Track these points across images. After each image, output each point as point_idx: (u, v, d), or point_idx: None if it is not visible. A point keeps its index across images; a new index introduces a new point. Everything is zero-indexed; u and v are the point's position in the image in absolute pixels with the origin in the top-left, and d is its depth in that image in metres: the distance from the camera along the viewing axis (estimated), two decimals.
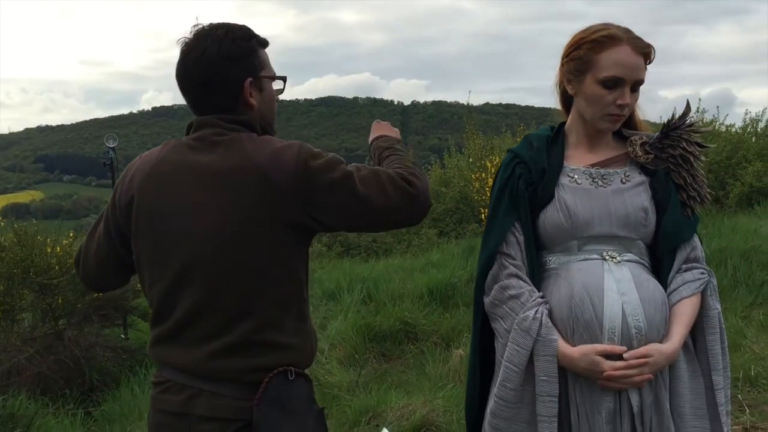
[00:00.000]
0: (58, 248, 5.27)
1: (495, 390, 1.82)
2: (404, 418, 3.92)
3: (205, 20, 1.70)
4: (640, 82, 1.81)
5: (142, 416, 4.40)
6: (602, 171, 1.87)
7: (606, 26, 1.82)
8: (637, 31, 1.83)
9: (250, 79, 1.65)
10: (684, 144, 1.87)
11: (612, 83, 1.78)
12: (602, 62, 1.78)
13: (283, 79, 1.76)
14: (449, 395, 4.21)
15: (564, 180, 1.87)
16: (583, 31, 1.85)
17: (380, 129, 2.04)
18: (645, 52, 1.80)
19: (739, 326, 4.93)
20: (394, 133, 2.01)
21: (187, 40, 1.66)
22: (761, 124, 10.80)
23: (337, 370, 4.94)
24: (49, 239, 5.45)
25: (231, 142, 1.60)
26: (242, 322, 1.57)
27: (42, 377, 4.74)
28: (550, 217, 1.84)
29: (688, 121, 1.89)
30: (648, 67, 1.85)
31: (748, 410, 3.85)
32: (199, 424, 1.57)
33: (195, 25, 1.67)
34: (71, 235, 5.84)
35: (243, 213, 1.55)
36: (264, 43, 1.73)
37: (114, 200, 1.72)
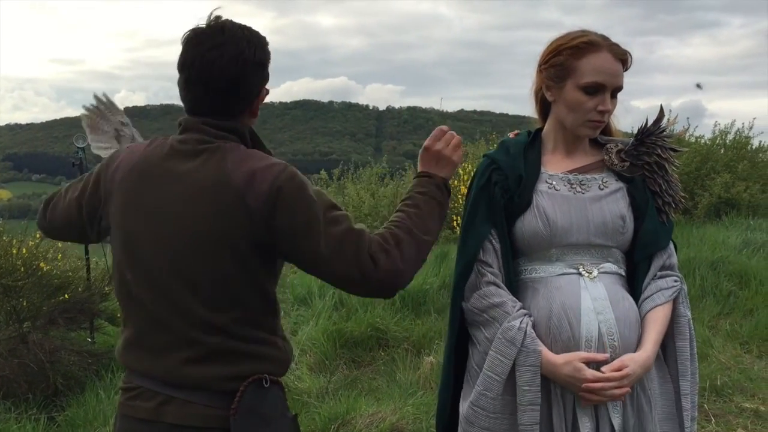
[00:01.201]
0: (24, 250, 5.16)
1: (471, 398, 1.80)
2: (374, 425, 3.89)
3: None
4: (620, 88, 1.82)
5: (107, 421, 4.31)
6: (580, 177, 1.88)
7: (585, 33, 1.83)
8: (613, 40, 1.84)
9: (266, 87, 1.66)
10: (659, 151, 1.88)
11: (593, 89, 1.78)
12: (583, 68, 1.78)
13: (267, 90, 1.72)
14: (419, 402, 4.19)
15: (542, 186, 1.86)
16: (561, 38, 1.85)
17: (432, 158, 1.74)
18: (623, 59, 1.81)
19: (706, 336, 4.98)
20: (446, 168, 1.74)
21: (213, 32, 1.58)
22: (730, 136, 10.97)
23: (307, 376, 4.90)
24: (15, 240, 5.34)
25: (214, 152, 1.56)
26: (209, 333, 1.54)
27: (4, 381, 4.63)
28: (528, 224, 1.83)
29: (661, 127, 1.90)
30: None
31: (713, 420, 3.89)
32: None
33: (214, 18, 1.61)
34: (38, 236, 5.72)
35: (213, 227, 1.52)
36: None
37: (98, 184, 1.70)
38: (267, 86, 1.69)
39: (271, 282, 1.63)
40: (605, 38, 1.82)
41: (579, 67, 1.79)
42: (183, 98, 1.64)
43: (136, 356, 1.61)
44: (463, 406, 1.86)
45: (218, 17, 1.60)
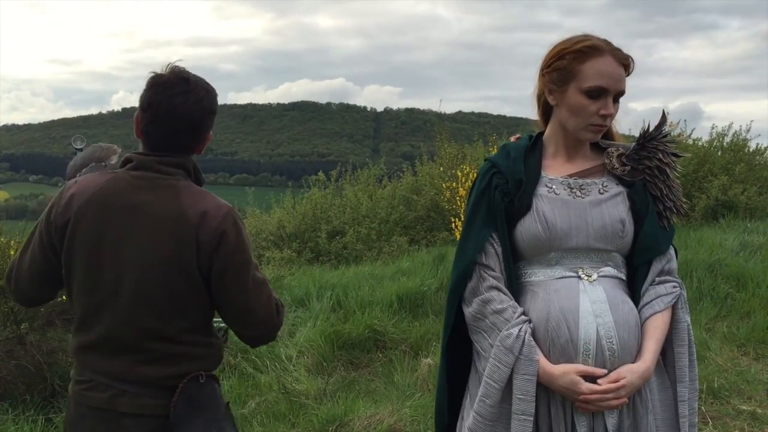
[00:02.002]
0: None
1: (475, 406, 1.80)
2: (371, 427, 3.90)
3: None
4: (622, 93, 1.83)
5: None
6: (580, 181, 1.88)
7: (587, 37, 1.83)
8: (614, 43, 1.85)
9: (208, 134, 1.94)
10: (660, 155, 1.88)
11: (596, 93, 1.79)
12: (586, 72, 1.79)
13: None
14: (417, 404, 4.19)
15: (542, 190, 1.86)
16: (564, 42, 1.85)
17: None
18: (626, 63, 1.82)
19: (703, 338, 4.99)
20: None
21: (176, 79, 1.85)
22: (727, 139, 11.00)
23: (305, 377, 4.90)
24: (12, 241, 5.33)
25: (169, 188, 1.84)
26: (159, 341, 1.83)
27: (2, 382, 4.62)
28: (528, 227, 1.84)
29: (663, 132, 1.91)
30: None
31: (711, 422, 3.90)
32: (123, 419, 1.82)
33: (175, 67, 1.88)
34: None
35: (168, 254, 1.79)
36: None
37: (49, 219, 1.88)
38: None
39: (210, 296, 1.88)
40: (608, 43, 1.83)
41: (582, 71, 1.79)
42: (144, 134, 1.89)
43: (94, 357, 1.86)
44: (469, 415, 1.85)
45: (179, 67, 1.88)
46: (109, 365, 1.83)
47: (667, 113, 1.99)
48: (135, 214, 1.81)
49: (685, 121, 11.80)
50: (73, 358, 1.94)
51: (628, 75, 1.85)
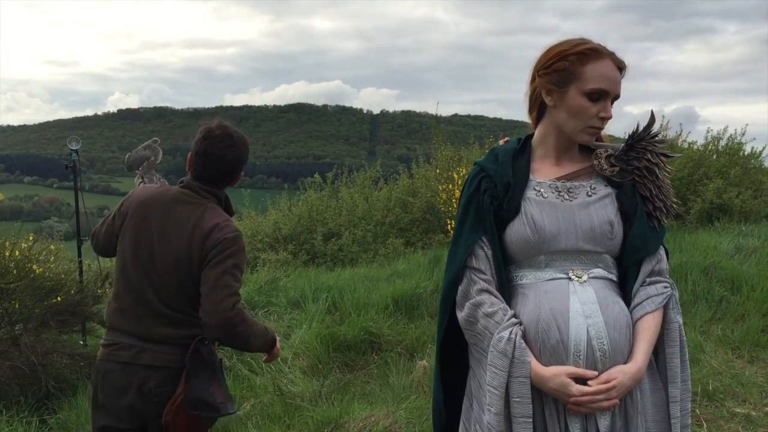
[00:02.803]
0: (16, 252, 5.14)
1: (486, 417, 1.80)
2: (367, 429, 3.90)
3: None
4: (618, 96, 1.85)
5: None
6: (568, 184, 1.89)
7: (585, 40, 1.85)
8: (609, 47, 1.86)
9: (240, 175, 2.64)
10: (649, 156, 1.89)
11: (597, 96, 1.81)
12: (588, 74, 1.80)
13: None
14: (412, 407, 4.20)
15: (530, 193, 1.87)
16: (563, 44, 1.86)
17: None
18: (621, 67, 1.85)
19: (697, 341, 5.00)
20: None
21: (223, 135, 2.56)
22: (722, 142, 11.02)
23: (300, 379, 4.90)
24: (7, 242, 5.32)
25: (200, 206, 2.52)
26: (174, 310, 2.47)
27: None
28: (517, 230, 1.85)
29: (652, 132, 1.92)
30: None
31: (705, 425, 3.91)
32: (144, 371, 2.44)
33: (222, 123, 2.60)
34: (31, 238, 5.70)
35: (183, 249, 2.45)
36: None
37: (120, 206, 2.63)
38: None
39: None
40: (606, 48, 1.86)
41: (584, 73, 1.81)
42: (196, 168, 2.58)
43: (123, 319, 2.50)
44: (480, 418, 1.85)
45: (225, 124, 2.60)
46: (137, 326, 2.46)
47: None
48: (169, 217, 2.49)
49: (680, 124, 11.79)
50: (107, 321, 2.57)
51: (622, 78, 1.88)
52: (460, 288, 1.88)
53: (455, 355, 1.99)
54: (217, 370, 2.52)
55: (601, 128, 1.85)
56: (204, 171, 2.55)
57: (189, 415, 2.45)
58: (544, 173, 1.92)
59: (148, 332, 2.45)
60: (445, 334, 1.98)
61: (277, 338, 2.69)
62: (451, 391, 2.04)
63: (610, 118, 1.84)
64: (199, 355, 2.46)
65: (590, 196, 1.87)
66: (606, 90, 1.80)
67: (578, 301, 1.78)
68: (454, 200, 9.21)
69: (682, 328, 1.88)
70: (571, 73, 1.82)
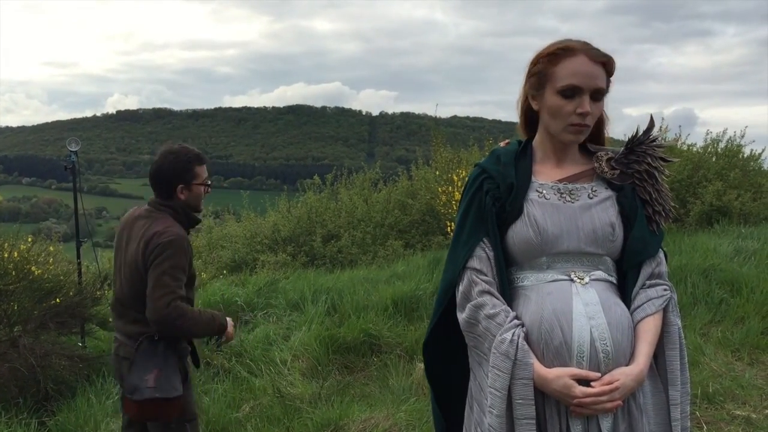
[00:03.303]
0: (15, 253, 5.13)
1: (487, 418, 1.79)
2: (366, 431, 3.89)
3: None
4: (600, 90, 1.83)
5: (98, 426, 4.30)
6: (570, 186, 1.89)
7: (564, 41, 1.85)
8: (607, 48, 1.86)
9: (181, 185, 2.93)
10: (649, 159, 1.89)
11: (570, 92, 1.80)
12: (559, 73, 1.81)
13: (208, 184, 3.04)
14: (412, 409, 4.19)
15: (532, 195, 1.87)
16: (542, 48, 1.88)
17: None
18: (602, 61, 1.82)
19: (697, 343, 5.00)
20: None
21: (162, 151, 2.97)
22: (721, 144, 11.03)
23: (300, 381, 4.89)
24: (6, 244, 5.31)
25: (152, 218, 2.91)
26: (134, 310, 2.86)
27: None
28: (519, 232, 1.84)
29: (652, 136, 1.92)
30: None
31: (705, 427, 3.90)
32: (122, 363, 2.90)
33: (169, 143, 3.00)
34: (29, 239, 5.69)
35: (135, 257, 2.84)
36: (202, 160, 2.99)
37: None
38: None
39: None
40: (585, 44, 1.84)
41: (555, 73, 1.82)
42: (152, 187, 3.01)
43: (113, 317, 3.06)
44: (481, 420, 1.84)
45: (170, 146, 2.98)
46: (117, 324, 2.98)
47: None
48: (132, 231, 2.92)
49: (680, 126, 11.83)
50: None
51: (611, 74, 1.85)
52: (461, 289, 1.87)
53: (446, 355, 2.00)
54: (161, 362, 2.81)
55: (582, 124, 1.82)
56: (153, 189, 2.99)
57: (138, 404, 2.78)
58: (546, 175, 1.92)
59: (124, 328, 2.93)
60: (432, 332, 1.99)
61: (229, 322, 3.03)
62: (444, 392, 2.04)
63: (588, 113, 1.81)
64: (142, 349, 2.83)
65: (592, 198, 1.87)
66: (577, 85, 1.80)
67: (581, 303, 1.78)
68: (453, 202, 9.21)
69: (682, 330, 1.88)
70: (545, 75, 1.84)
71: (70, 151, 5.44)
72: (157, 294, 2.72)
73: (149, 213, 2.92)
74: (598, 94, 1.83)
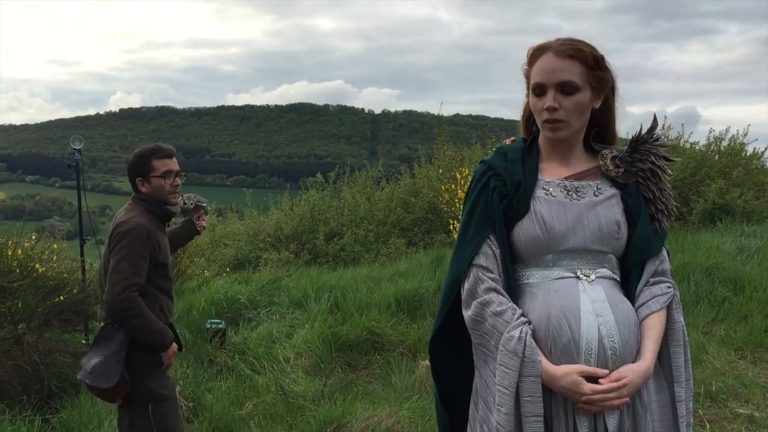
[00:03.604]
0: (19, 251, 5.14)
1: (494, 416, 1.79)
2: (369, 429, 3.90)
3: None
4: (568, 83, 1.82)
5: (101, 424, 4.31)
6: (576, 184, 1.89)
7: (544, 42, 1.88)
8: (609, 47, 1.86)
9: (140, 178, 3.11)
10: (653, 158, 1.90)
11: (538, 90, 1.85)
12: (532, 74, 1.87)
13: (164, 175, 3.11)
14: (415, 407, 4.19)
15: (539, 193, 1.87)
16: None
17: None
18: (570, 54, 1.82)
19: (700, 341, 5.00)
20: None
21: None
22: (724, 143, 11.01)
23: (303, 379, 4.90)
24: (10, 241, 5.32)
25: (126, 210, 3.11)
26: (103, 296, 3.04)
27: None
28: (526, 229, 1.84)
29: (655, 135, 1.92)
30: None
31: (708, 425, 3.90)
32: None
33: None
34: (33, 237, 5.71)
35: (106, 245, 3.05)
36: (161, 154, 3.12)
37: None
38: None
39: None
40: (558, 41, 1.86)
41: (531, 74, 1.88)
42: None
43: None
44: (488, 418, 1.84)
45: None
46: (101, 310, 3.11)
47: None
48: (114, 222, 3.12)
49: (682, 125, 11.77)
50: None
51: (596, 67, 1.84)
52: (467, 286, 1.87)
53: (452, 352, 2.00)
54: (111, 350, 2.93)
55: (553, 119, 1.83)
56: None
57: (84, 383, 3.08)
58: (552, 173, 1.92)
59: (99, 312, 3.19)
60: (439, 329, 1.99)
61: (172, 349, 3.12)
62: (449, 389, 2.04)
63: (552, 107, 1.82)
64: (102, 333, 3.00)
65: (597, 195, 1.88)
66: (541, 82, 1.84)
67: (588, 300, 1.78)
68: (456, 200, 9.21)
69: (685, 328, 1.89)
70: (527, 77, 1.90)
71: (74, 149, 5.44)
72: (114, 279, 2.88)
73: (127, 206, 3.13)
74: (567, 87, 1.82)
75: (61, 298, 5.13)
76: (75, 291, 5.35)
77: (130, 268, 2.90)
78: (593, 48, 1.85)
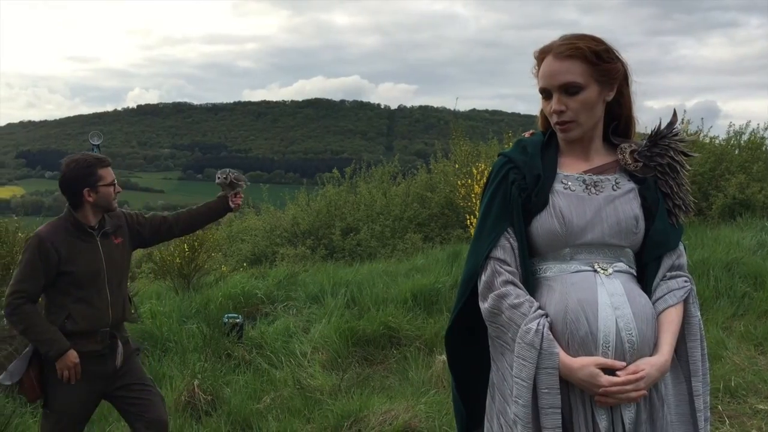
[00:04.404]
0: None
1: (512, 408, 1.79)
2: (387, 423, 3.90)
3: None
4: (571, 84, 1.80)
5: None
6: (594, 178, 1.88)
7: (547, 43, 1.88)
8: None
9: (88, 188, 3.08)
10: (671, 153, 1.88)
11: (545, 94, 1.86)
12: (538, 77, 1.87)
13: (111, 183, 3.13)
14: (432, 401, 4.20)
15: (558, 186, 1.87)
16: None
17: None
18: (569, 54, 1.81)
19: (720, 337, 4.96)
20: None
21: (65, 161, 3.13)
22: (744, 137, 10.91)
23: (320, 373, 4.92)
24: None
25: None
26: None
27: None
28: (544, 223, 1.84)
29: (674, 130, 1.91)
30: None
31: (728, 421, 3.88)
32: None
33: (71, 154, 3.23)
34: None
35: None
36: (105, 163, 3.14)
37: None
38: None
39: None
40: (558, 42, 1.84)
41: (538, 77, 1.88)
42: None
43: None
44: (505, 410, 1.85)
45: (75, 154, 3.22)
46: None
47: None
48: None
49: (702, 119, 11.70)
50: None
51: (600, 60, 1.82)
52: (484, 279, 1.87)
53: (468, 345, 2.00)
54: (26, 351, 3.07)
55: (561, 122, 1.84)
56: (65, 197, 3.17)
57: None
58: (571, 167, 1.91)
59: None
60: (455, 322, 1.99)
61: (69, 358, 3.00)
62: (465, 382, 2.04)
63: (557, 110, 1.83)
64: None
65: (615, 190, 1.87)
66: (545, 87, 1.84)
67: (606, 293, 1.77)
68: (473, 195, 9.19)
69: (701, 322, 1.88)
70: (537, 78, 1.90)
71: (93, 144, 5.49)
72: (8, 285, 3.05)
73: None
74: (571, 88, 1.81)
75: None
76: None
77: (18, 275, 3.01)
78: (595, 42, 1.82)
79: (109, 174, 3.15)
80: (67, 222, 3.11)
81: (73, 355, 3.01)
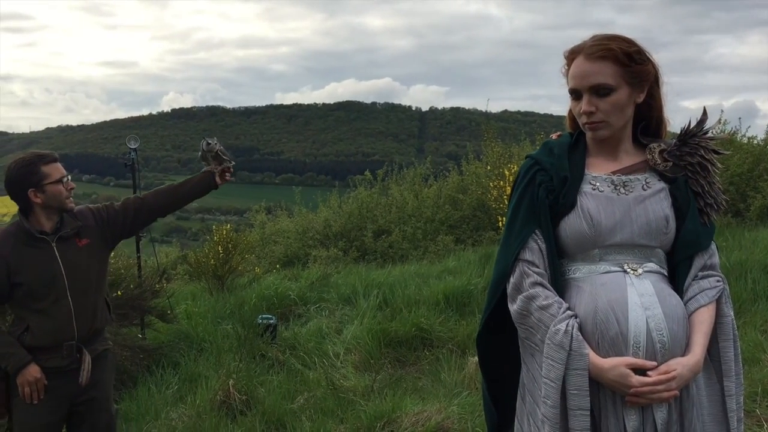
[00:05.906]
0: None
1: (541, 409, 1.80)
2: (419, 424, 3.91)
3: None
4: (601, 86, 1.81)
5: (158, 416, 4.43)
6: (623, 178, 1.88)
7: (578, 43, 1.88)
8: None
9: (33, 189, 2.79)
10: (702, 152, 1.88)
11: (575, 94, 1.86)
12: (568, 77, 1.88)
13: (60, 180, 2.83)
14: (464, 402, 4.20)
15: (586, 187, 1.87)
16: None
17: None
18: (601, 55, 1.81)
19: (758, 340, 4.88)
20: None
21: (9, 163, 2.82)
22: None
23: (353, 374, 4.95)
24: None
25: None
26: None
27: None
28: (573, 225, 1.84)
29: (704, 128, 1.90)
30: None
31: (766, 425, 3.81)
32: None
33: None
34: None
35: None
36: (48, 159, 2.83)
37: None
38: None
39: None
40: (589, 42, 1.84)
41: (568, 77, 1.89)
42: None
43: None
44: (535, 411, 1.85)
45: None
46: None
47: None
48: None
49: (740, 119, 11.47)
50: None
51: (630, 62, 1.81)
52: (512, 280, 1.88)
53: (499, 346, 2.01)
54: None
55: (591, 122, 1.84)
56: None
57: None
58: (599, 167, 1.91)
59: None
60: (486, 324, 2.00)
61: (29, 374, 2.75)
62: (496, 384, 2.05)
63: (587, 111, 1.83)
64: None
65: (645, 190, 1.86)
66: (575, 88, 1.84)
67: (636, 293, 1.77)
68: (505, 197, 9.16)
69: (734, 322, 1.86)
70: (567, 78, 1.90)
71: (130, 148, 5.59)
72: None
73: None
74: (601, 90, 1.81)
75: (119, 293, 5.28)
76: (131, 286, 5.51)
77: None
78: (626, 43, 1.82)
79: (56, 170, 2.83)
80: (18, 229, 2.82)
81: (34, 370, 2.76)
